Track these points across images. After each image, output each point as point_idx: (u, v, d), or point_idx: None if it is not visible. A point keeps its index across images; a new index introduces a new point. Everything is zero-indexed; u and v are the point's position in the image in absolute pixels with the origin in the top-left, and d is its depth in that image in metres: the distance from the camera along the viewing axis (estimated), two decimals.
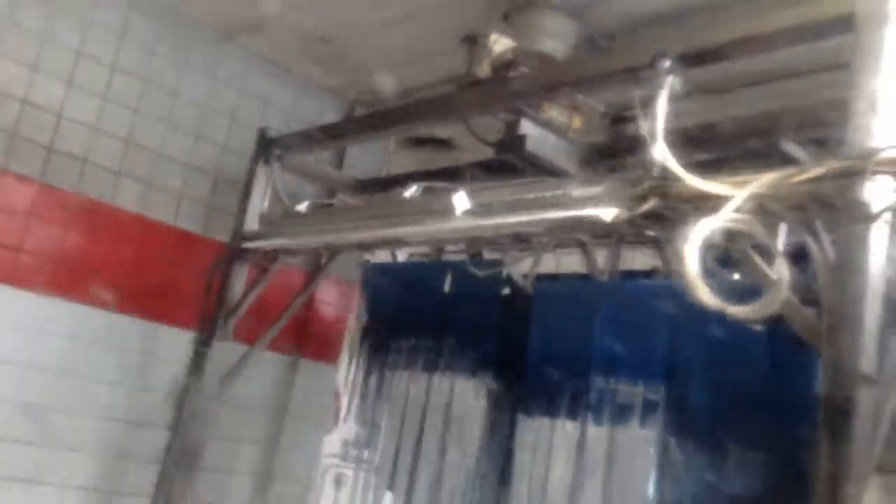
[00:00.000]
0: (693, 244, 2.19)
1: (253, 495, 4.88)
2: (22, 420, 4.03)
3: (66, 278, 4.22)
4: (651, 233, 2.71)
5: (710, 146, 2.94)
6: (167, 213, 4.61)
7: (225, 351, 4.41)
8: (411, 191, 3.07)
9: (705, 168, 2.54)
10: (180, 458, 4.29)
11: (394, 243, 3.74)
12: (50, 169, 4.19)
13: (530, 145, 3.24)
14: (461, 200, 2.65)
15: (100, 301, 4.32)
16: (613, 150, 3.52)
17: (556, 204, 2.57)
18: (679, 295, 3.08)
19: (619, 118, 3.64)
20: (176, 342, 4.53)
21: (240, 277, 4.43)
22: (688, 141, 2.87)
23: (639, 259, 4.08)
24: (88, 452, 4.27)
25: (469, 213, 2.68)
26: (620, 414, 3.23)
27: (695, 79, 2.73)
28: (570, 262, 4.17)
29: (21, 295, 4.06)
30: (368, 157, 5.27)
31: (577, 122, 3.49)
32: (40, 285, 4.13)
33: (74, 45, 4.30)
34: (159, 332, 4.54)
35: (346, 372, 4.73)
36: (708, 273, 2.25)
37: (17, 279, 4.06)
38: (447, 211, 2.70)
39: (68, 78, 4.27)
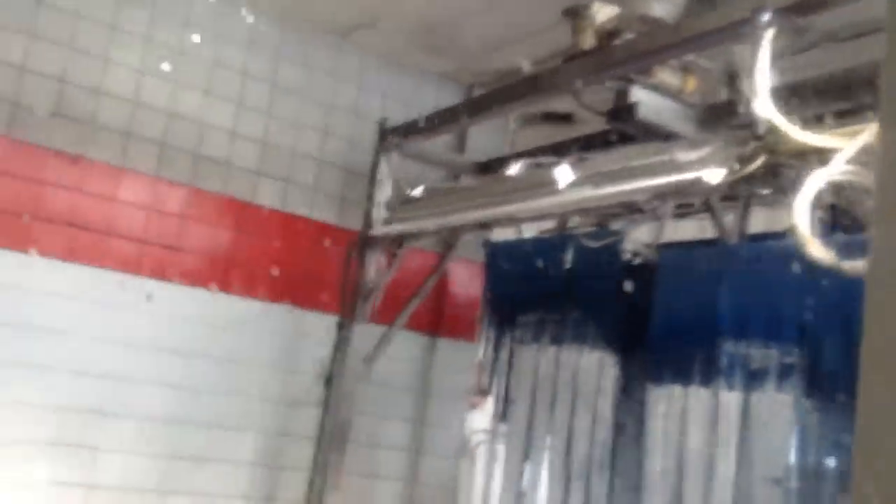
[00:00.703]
0: (804, 200, 2.12)
1: (404, 469, 5.13)
2: (192, 404, 4.46)
3: (219, 273, 4.61)
4: (764, 192, 2.61)
5: (830, 98, 2.78)
6: (304, 207, 4.91)
7: (366, 333, 4.66)
8: (516, 168, 3.12)
9: (829, 122, 2.43)
10: (332, 434, 4.60)
11: (506, 221, 3.80)
12: (197, 173, 4.58)
13: (643, 112, 3.19)
14: (564, 173, 2.68)
15: (251, 292, 4.69)
16: (734, 109, 3.40)
17: (660, 169, 2.54)
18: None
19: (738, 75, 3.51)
20: (321, 326, 4.84)
21: (373, 263, 4.65)
22: (806, 94, 2.75)
23: (778, 218, 3.91)
24: (252, 431, 4.65)
25: (573, 185, 2.70)
26: (754, 378, 3.14)
27: (820, 28, 2.61)
28: (703, 227, 4.06)
29: (181, 290, 4.48)
30: (489, 138, 5.35)
31: (690, 83, 3.39)
32: (198, 280, 4.53)
33: (209, 56, 4.66)
34: (305, 317, 4.86)
35: (481, 349, 4.85)
36: (824, 229, 2.17)
37: (177, 275, 4.48)
38: (552, 185, 2.73)
39: (206, 87, 4.64)
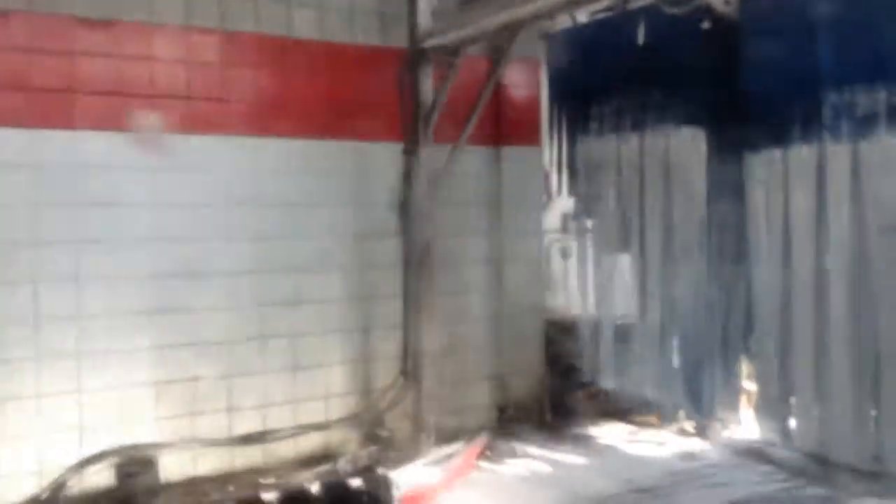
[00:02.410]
0: None
1: (491, 279, 5.17)
2: (273, 252, 4.46)
3: (270, 117, 4.43)
4: None
5: None
6: (344, 32, 4.62)
7: (431, 154, 4.54)
8: None
9: None
10: (415, 258, 4.61)
11: (574, 4, 3.50)
12: (227, 15, 4.30)
13: None
14: None
15: (308, 132, 4.53)
16: None
17: None
18: None
19: None
20: (385, 155, 4.71)
21: (427, 80, 4.44)
22: None
23: None
24: (337, 269, 4.67)
25: None
26: (863, 125, 2.97)
27: None
28: None
29: (237, 141, 4.34)
30: None
31: None
32: (252, 129, 4.38)
33: None
34: (366, 149, 4.72)
35: (550, 150, 4.70)
36: None
37: (230, 127, 4.32)
38: None
39: None
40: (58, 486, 3.87)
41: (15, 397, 3.82)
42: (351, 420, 4.67)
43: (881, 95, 2.91)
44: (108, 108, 4.02)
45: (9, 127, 3.80)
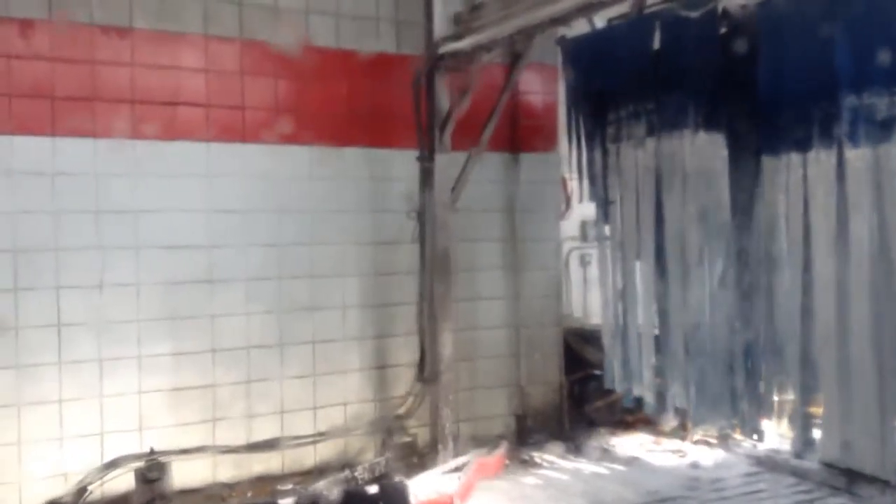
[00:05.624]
0: None
1: (509, 287, 5.15)
2: (291, 258, 4.49)
3: (288, 125, 4.46)
4: None
5: None
6: (360, 39, 4.64)
7: (448, 162, 4.53)
8: None
9: None
10: (433, 265, 4.60)
11: (590, 8, 3.47)
12: (246, 24, 4.35)
13: None
14: None
15: (325, 139, 4.56)
16: None
17: None
18: None
19: None
20: (402, 163, 4.71)
21: (443, 86, 4.42)
22: None
23: None
24: (354, 275, 4.69)
25: None
26: (881, 130, 2.91)
27: None
28: None
29: (252, 149, 4.38)
30: None
31: None
32: (269, 136, 4.42)
33: None
34: (383, 156, 4.74)
35: (569, 156, 4.66)
36: None
37: (249, 135, 4.36)
38: None
39: None
40: (79, 490, 3.91)
41: (38, 402, 3.89)
42: (368, 427, 4.67)
43: None
44: (129, 116, 4.09)
45: (31, 135, 3.87)
